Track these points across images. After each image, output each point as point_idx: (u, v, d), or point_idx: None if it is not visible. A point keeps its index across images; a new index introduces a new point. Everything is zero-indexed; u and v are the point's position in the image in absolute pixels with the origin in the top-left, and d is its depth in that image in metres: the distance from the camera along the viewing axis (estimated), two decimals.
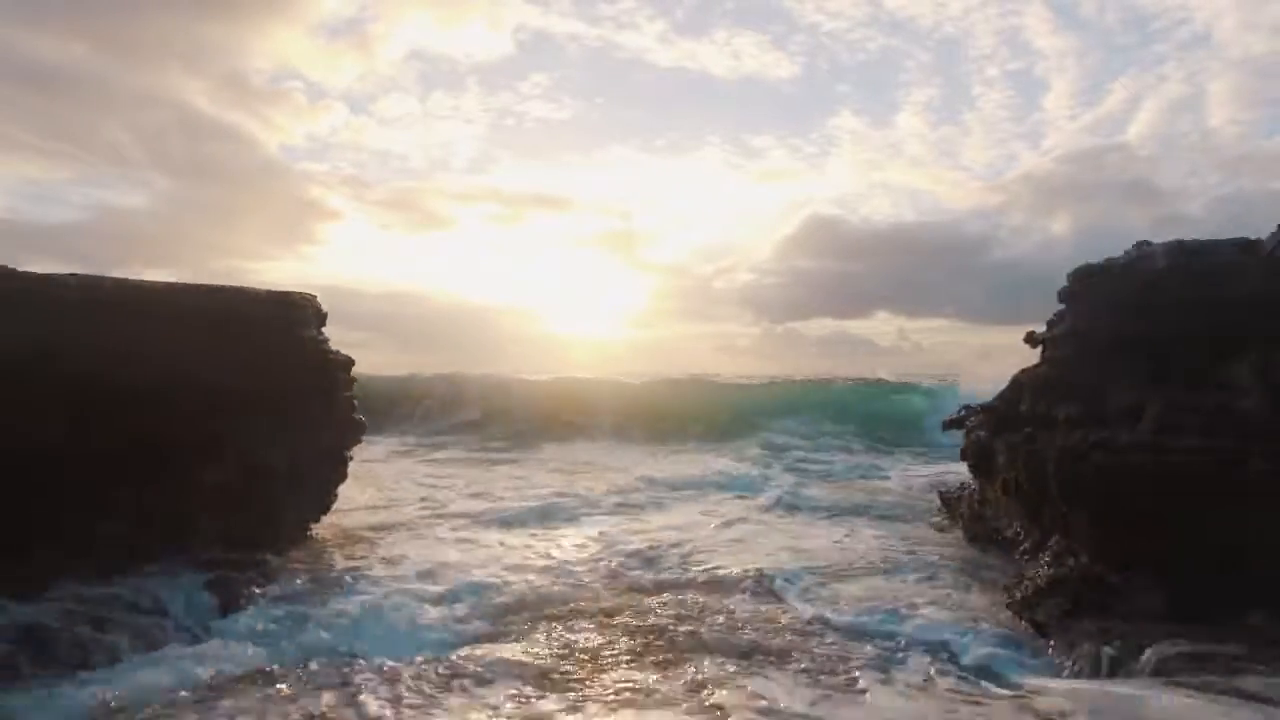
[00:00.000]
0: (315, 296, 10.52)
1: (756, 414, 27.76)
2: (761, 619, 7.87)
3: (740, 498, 15.31)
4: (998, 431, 10.38)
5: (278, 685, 5.93)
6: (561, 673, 6.31)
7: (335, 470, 10.64)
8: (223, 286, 9.55)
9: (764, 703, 5.40)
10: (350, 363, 10.77)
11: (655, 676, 6.14)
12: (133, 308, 9.04)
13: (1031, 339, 10.42)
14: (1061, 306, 10.00)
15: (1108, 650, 6.42)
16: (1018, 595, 7.93)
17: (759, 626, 7.64)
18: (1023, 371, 10.76)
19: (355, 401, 10.86)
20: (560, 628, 7.61)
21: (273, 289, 10.29)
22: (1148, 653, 6.02)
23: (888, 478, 18.30)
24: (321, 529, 10.99)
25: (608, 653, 6.84)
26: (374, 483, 15.68)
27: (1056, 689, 5.71)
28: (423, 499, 14.32)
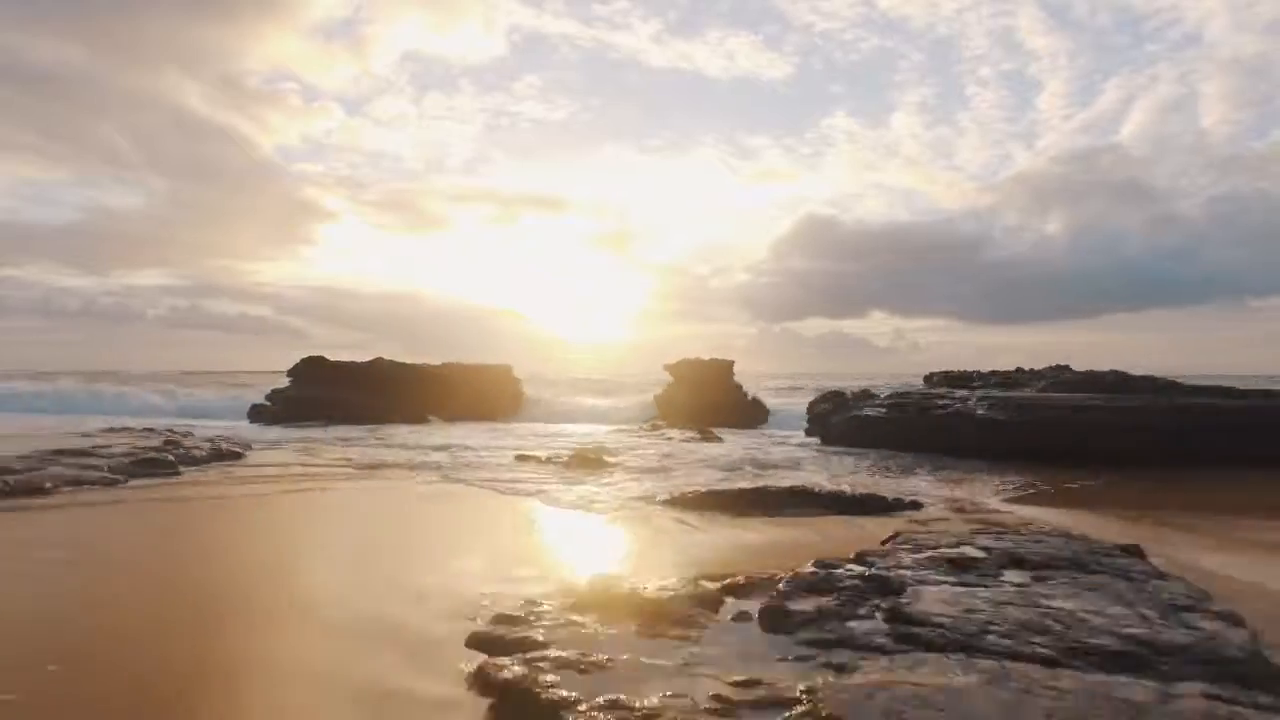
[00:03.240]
0: (511, 366, 45.38)
1: None
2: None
3: None
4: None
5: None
6: None
7: (517, 403, 45.51)
8: (495, 365, 44.57)
9: None
10: (518, 380, 45.53)
11: None
12: (456, 370, 44.08)
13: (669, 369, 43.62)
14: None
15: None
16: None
17: None
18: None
19: (522, 387, 45.70)
20: None
21: (485, 365, 45.00)
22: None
23: None
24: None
25: None
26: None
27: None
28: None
